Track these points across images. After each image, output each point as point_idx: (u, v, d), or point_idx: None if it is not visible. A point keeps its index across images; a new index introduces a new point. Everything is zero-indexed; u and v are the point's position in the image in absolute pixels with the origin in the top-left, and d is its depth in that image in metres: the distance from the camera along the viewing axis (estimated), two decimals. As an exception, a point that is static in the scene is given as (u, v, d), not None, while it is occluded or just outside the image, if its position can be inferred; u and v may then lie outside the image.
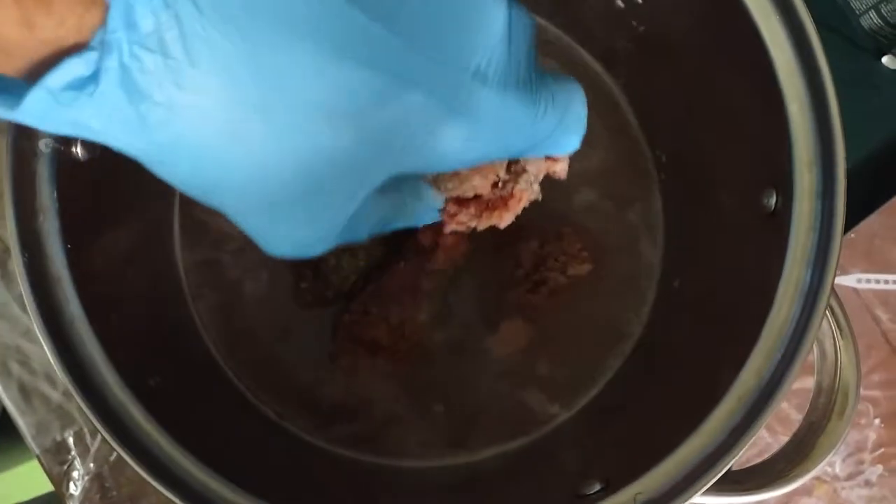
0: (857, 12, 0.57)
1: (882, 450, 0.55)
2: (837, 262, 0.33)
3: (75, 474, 0.51)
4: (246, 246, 0.47)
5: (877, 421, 0.55)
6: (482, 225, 0.38)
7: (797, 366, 0.33)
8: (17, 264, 0.32)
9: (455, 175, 0.36)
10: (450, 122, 0.27)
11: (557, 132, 0.31)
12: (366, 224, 0.32)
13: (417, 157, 0.28)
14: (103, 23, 0.22)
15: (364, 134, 0.26)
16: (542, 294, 0.47)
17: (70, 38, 0.22)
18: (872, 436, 0.55)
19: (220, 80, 0.23)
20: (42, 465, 0.51)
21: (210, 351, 0.46)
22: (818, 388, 0.36)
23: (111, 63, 0.22)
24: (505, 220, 0.38)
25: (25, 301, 0.32)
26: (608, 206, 0.49)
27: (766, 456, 0.36)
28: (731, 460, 0.33)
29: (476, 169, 0.35)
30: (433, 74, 0.26)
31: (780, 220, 0.36)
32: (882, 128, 0.58)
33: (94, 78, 0.22)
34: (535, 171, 0.37)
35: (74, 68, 0.22)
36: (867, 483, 0.55)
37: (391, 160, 0.28)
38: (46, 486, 0.52)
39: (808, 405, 0.36)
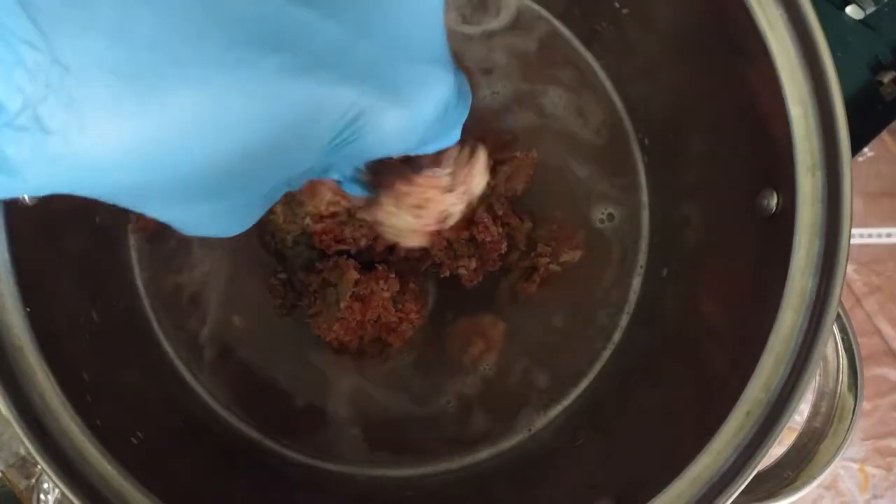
0: (822, -38, 0.55)
1: (846, 397, 0.57)
2: (845, 272, 0.32)
3: (45, 486, 0.49)
4: (209, 274, 0.45)
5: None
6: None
7: (807, 379, 0.32)
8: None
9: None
10: (389, 112, 0.24)
11: (458, 118, 0.28)
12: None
13: (346, 150, 0.25)
14: None
15: (289, 139, 0.23)
16: (534, 282, 0.46)
17: None
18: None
19: (119, 130, 0.20)
20: (8, 481, 0.48)
21: (190, 386, 0.43)
22: (820, 393, 0.36)
23: None
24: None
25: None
26: (595, 188, 0.47)
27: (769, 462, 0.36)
28: (749, 475, 0.32)
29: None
30: (375, 63, 0.23)
31: (782, 224, 0.34)
32: (846, 79, 0.57)
33: None
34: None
35: None
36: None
37: (319, 157, 0.25)
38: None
39: (808, 409, 0.36)
